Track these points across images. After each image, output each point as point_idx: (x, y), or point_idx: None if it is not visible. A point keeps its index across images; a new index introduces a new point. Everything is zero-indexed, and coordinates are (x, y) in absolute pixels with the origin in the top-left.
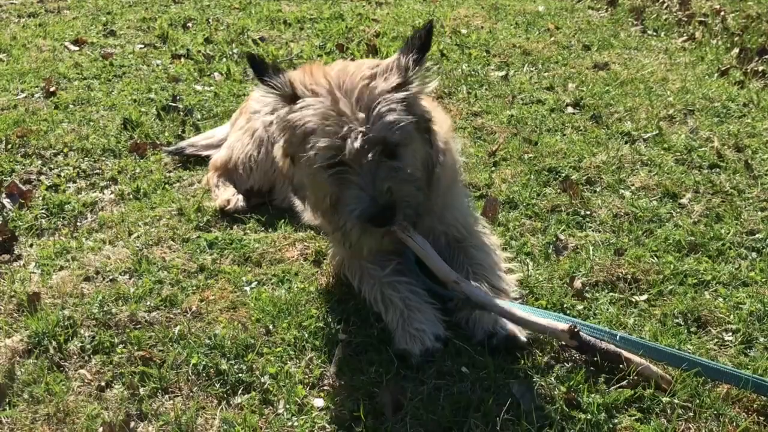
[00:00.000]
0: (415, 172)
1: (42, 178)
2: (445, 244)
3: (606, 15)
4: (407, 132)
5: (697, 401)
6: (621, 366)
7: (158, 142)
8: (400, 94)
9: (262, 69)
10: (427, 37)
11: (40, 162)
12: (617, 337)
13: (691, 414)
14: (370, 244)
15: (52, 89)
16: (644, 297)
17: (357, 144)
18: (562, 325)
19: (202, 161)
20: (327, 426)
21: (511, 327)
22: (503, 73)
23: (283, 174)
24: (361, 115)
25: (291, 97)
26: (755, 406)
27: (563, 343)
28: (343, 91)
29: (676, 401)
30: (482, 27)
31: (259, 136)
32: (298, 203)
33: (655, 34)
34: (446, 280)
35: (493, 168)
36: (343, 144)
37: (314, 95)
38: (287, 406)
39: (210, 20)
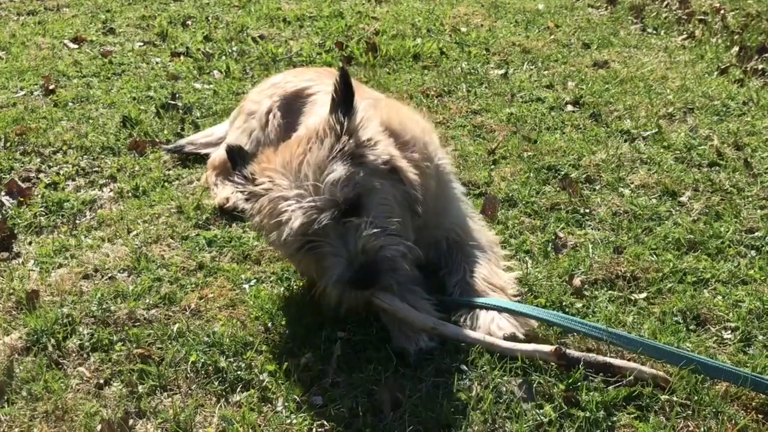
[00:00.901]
0: (387, 218)
1: (41, 175)
2: (446, 248)
3: (606, 13)
4: (361, 184)
5: (696, 399)
6: (610, 374)
7: (157, 140)
8: (339, 152)
9: (236, 161)
10: (346, 86)
11: (39, 160)
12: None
13: (690, 412)
14: (348, 304)
15: (51, 87)
16: (643, 295)
17: (296, 224)
18: (549, 348)
19: (201, 159)
20: (326, 423)
21: (509, 325)
22: (503, 71)
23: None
24: (298, 191)
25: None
26: (754, 404)
27: (552, 363)
28: (284, 174)
29: (674, 399)
30: (482, 25)
31: (257, 137)
32: None
33: (654, 32)
34: (424, 328)
35: (492, 166)
36: (297, 217)
37: (261, 189)
38: (286, 404)
39: (209, 18)
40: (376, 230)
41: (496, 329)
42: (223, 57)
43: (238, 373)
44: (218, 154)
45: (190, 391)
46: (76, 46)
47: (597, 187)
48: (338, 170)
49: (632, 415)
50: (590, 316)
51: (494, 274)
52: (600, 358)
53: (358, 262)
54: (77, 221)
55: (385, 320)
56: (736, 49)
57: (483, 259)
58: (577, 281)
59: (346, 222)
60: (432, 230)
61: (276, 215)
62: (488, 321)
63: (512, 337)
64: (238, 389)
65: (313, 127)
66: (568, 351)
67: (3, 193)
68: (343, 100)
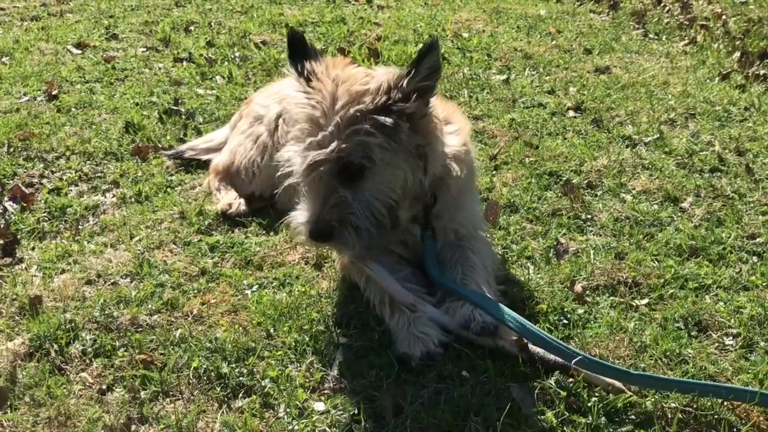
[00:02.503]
0: (379, 201)
1: (44, 181)
2: (454, 239)
3: (607, 19)
4: (374, 158)
5: (697, 405)
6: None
7: (160, 146)
8: (382, 119)
9: (298, 51)
10: (428, 51)
11: (42, 165)
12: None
13: (692, 419)
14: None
15: (54, 92)
16: (645, 301)
17: (307, 162)
18: (512, 337)
19: (203, 164)
20: (327, 430)
21: (489, 317)
22: (504, 76)
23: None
24: (327, 134)
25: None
26: (755, 411)
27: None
28: (333, 101)
29: (676, 405)
30: (484, 30)
31: (263, 141)
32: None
33: (656, 37)
34: (404, 303)
35: (494, 172)
36: (306, 155)
37: (313, 100)
38: (288, 410)
39: (212, 24)
40: (354, 212)
41: (478, 315)
42: (226, 62)
43: (240, 378)
44: (221, 160)
45: (192, 397)
46: (80, 52)
47: (599, 193)
48: (365, 135)
49: (634, 422)
50: (592, 321)
51: (485, 283)
52: (560, 360)
53: (322, 224)
54: (80, 227)
55: (392, 324)
56: (737, 54)
57: (479, 266)
58: (578, 287)
59: (335, 186)
60: (446, 219)
61: (305, 134)
62: (470, 309)
63: (487, 330)
64: (240, 395)
65: (384, 79)
66: (529, 345)
67: (6, 198)
68: (416, 63)
